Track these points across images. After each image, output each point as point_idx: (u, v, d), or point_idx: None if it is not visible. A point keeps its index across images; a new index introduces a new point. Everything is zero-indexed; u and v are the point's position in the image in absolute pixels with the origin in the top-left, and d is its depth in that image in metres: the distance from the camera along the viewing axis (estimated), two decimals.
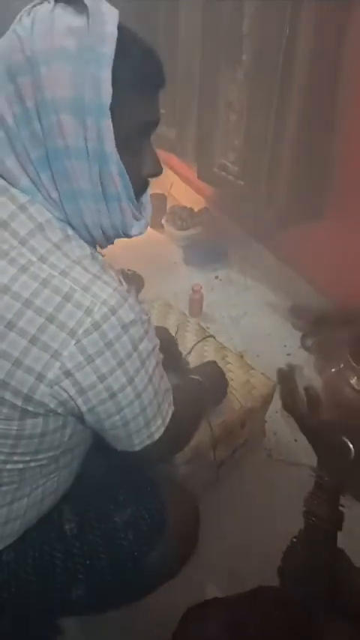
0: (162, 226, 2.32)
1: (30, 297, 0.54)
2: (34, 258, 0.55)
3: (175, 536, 0.79)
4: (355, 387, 1.33)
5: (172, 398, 0.71)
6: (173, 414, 0.70)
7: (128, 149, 0.57)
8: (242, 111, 1.61)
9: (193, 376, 0.97)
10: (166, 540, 0.78)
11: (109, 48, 0.52)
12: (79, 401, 0.58)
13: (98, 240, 0.63)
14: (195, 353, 1.27)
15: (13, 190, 0.57)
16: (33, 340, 0.54)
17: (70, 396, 0.57)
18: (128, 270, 1.94)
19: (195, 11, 1.67)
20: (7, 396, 0.56)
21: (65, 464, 0.71)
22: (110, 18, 0.53)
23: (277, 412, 1.48)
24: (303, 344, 1.76)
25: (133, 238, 0.68)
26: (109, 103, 0.52)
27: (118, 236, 0.65)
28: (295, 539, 0.75)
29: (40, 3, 0.54)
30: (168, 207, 2.39)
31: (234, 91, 1.62)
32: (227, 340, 1.70)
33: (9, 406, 0.57)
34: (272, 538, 0.82)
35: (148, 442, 0.67)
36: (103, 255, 0.66)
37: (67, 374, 0.55)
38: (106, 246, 0.67)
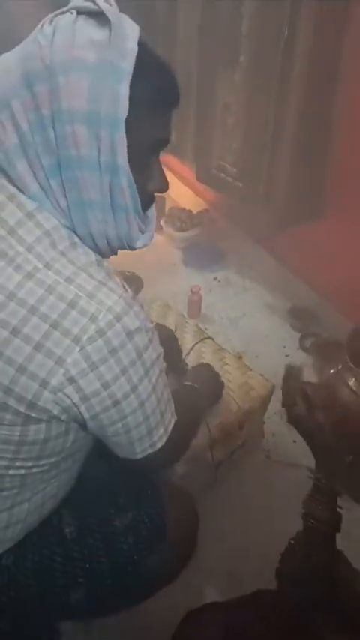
0: (161, 228, 2.32)
1: (35, 304, 0.54)
2: (40, 265, 0.55)
3: (175, 541, 0.79)
4: (353, 388, 1.33)
5: (174, 407, 0.71)
6: (175, 423, 0.70)
7: (138, 164, 0.58)
8: (241, 112, 1.61)
9: (187, 382, 0.97)
10: (165, 544, 0.78)
11: (128, 64, 0.52)
12: (83, 408, 0.58)
13: (102, 250, 0.63)
14: (193, 354, 1.27)
15: (22, 198, 0.57)
16: (37, 347, 0.54)
17: (74, 403, 0.57)
18: (127, 271, 1.94)
19: (193, 12, 1.67)
20: (11, 402, 0.56)
21: (66, 468, 0.71)
22: (132, 34, 0.54)
23: (275, 413, 1.48)
24: (302, 345, 1.76)
25: None
26: (124, 118, 0.53)
27: (123, 247, 0.66)
28: (292, 541, 0.75)
29: (63, 13, 0.55)
30: (167, 208, 2.39)
31: (232, 93, 1.62)
32: (226, 341, 1.70)
33: (12, 412, 0.57)
34: (271, 539, 0.82)
35: (149, 451, 0.67)
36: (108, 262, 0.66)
37: (71, 380, 0.55)
38: (109, 257, 0.67)
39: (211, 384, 1.07)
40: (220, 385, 1.11)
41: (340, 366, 1.39)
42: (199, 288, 1.83)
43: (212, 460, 1.13)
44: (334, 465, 0.71)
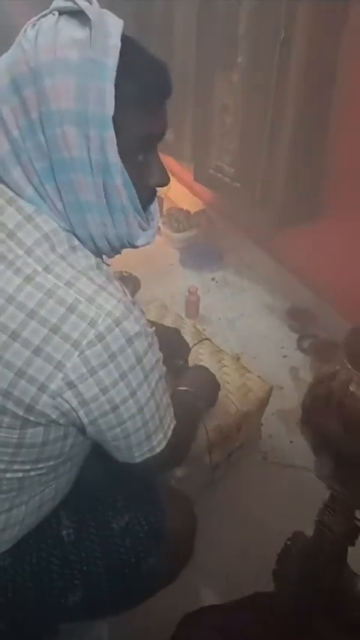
0: (159, 228, 2.31)
1: (34, 308, 0.54)
2: (39, 269, 0.55)
3: (173, 543, 0.79)
4: (351, 388, 1.33)
5: (173, 412, 0.71)
6: (173, 429, 0.70)
7: (134, 160, 0.58)
8: (238, 113, 1.61)
9: (182, 388, 0.96)
10: (162, 547, 0.78)
11: (112, 60, 0.52)
12: (81, 412, 0.58)
13: (104, 250, 0.63)
14: (191, 355, 1.27)
15: (21, 201, 0.57)
16: (36, 351, 0.54)
17: (72, 408, 0.57)
18: (125, 272, 1.94)
19: (190, 12, 1.67)
20: (9, 405, 0.56)
21: (64, 472, 0.71)
22: (114, 30, 0.53)
23: (273, 414, 1.49)
24: (300, 346, 1.77)
25: None
26: (111, 115, 0.52)
27: (124, 246, 0.65)
28: (289, 542, 0.75)
29: (45, 15, 0.54)
30: (165, 209, 2.39)
31: (230, 94, 1.62)
32: (223, 342, 1.70)
33: (11, 415, 0.57)
34: (269, 540, 0.82)
35: (148, 455, 0.67)
36: (108, 265, 0.66)
37: (70, 385, 0.55)
38: (112, 257, 0.67)
39: (207, 387, 1.06)
40: (216, 388, 1.10)
41: (338, 367, 1.39)
42: (197, 289, 1.83)
43: (210, 462, 1.12)
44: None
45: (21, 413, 0.56)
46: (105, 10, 0.55)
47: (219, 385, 1.11)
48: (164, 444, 0.68)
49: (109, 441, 0.64)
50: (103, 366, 0.55)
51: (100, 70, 0.51)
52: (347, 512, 0.68)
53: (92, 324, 0.54)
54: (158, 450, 0.67)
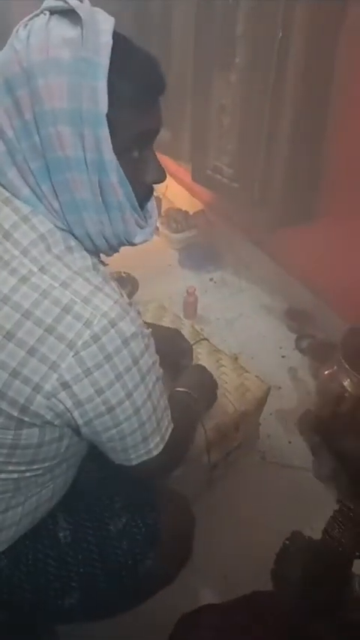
0: (157, 229, 2.31)
1: (30, 308, 0.53)
2: (35, 269, 0.55)
3: (170, 544, 0.79)
4: (348, 389, 1.33)
5: (170, 415, 0.71)
6: (171, 432, 0.70)
7: (129, 157, 0.57)
8: (236, 113, 1.61)
9: (179, 389, 0.95)
10: (160, 548, 0.77)
11: (104, 58, 0.52)
12: (76, 413, 0.58)
13: (102, 249, 0.63)
14: None
15: (17, 202, 0.57)
16: (31, 351, 0.53)
17: (67, 408, 0.57)
18: (123, 272, 1.94)
19: (188, 13, 1.67)
20: (4, 405, 0.56)
21: (60, 473, 0.71)
22: (105, 28, 0.53)
23: (271, 414, 1.49)
24: (298, 346, 1.77)
25: None
26: (105, 113, 0.52)
27: (122, 244, 0.65)
28: (287, 542, 0.75)
29: (37, 15, 0.54)
30: (163, 209, 2.38)
31: (228, 94, 1.62)
32: (221, 342, 1.70)
33: (5, 416, 0.57)
34: (267, 540, 0.82)
35: (145, 457, 0.67)
36: (106, 265, 0.65)
37: (65, 386, 0.55)
38: (110, 255, 0.66)
39: (205, 388, 1.05)
40: (214, 387, 1.09)
41: (335, 367, 1.39)
42: (195, 289, 1.83)
43: (208, 462, 1.12)
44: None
45: (15, 414, 0.56)
46: (96, 9, 0.55)
47: (217, 385, 1.11)
48: (161, 446, 0.68)
49: (105, 442, 0.64)
50: (98, 367, 0.55)
51: (93, 69, 0.51)
52: (358, 529, 0.68)
53: (88, 324, 0.54)
54: (155, 452, 0.67)
